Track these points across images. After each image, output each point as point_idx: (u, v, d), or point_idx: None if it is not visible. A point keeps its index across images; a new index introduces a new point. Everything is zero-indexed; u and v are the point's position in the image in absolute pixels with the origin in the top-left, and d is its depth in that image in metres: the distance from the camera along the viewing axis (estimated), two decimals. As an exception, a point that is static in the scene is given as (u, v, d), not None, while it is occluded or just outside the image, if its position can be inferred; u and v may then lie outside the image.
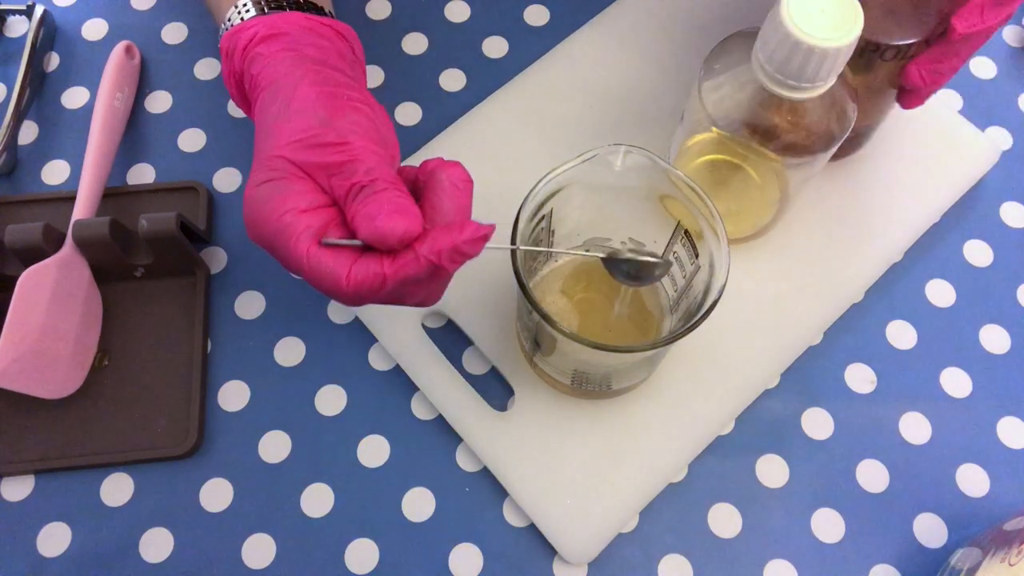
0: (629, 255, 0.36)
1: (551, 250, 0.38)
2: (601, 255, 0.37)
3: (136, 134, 0.53)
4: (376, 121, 0.35)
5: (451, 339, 0.47)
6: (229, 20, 0.38)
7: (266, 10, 0.38)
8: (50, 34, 0.56)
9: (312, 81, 0.34)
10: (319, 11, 0.39)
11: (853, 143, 0.48)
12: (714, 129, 0.40)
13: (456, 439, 0.45)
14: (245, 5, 0.38)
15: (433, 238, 0.31)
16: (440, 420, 0.45)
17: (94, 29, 0.57)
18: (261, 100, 0.35)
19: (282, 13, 0.37)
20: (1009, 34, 0.57)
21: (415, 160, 0.50)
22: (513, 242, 0.36)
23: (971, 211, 0.51)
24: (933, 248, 0.50)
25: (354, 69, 0.38)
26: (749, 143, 0.39)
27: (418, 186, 0.33)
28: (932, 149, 0.51)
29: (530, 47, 0.55)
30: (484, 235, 0.31)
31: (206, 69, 0.55)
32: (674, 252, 0.41)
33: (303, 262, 0.31)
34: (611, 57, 0.53)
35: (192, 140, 0.53)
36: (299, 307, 0.48)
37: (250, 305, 0.49)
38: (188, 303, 0.48)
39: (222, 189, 0.51)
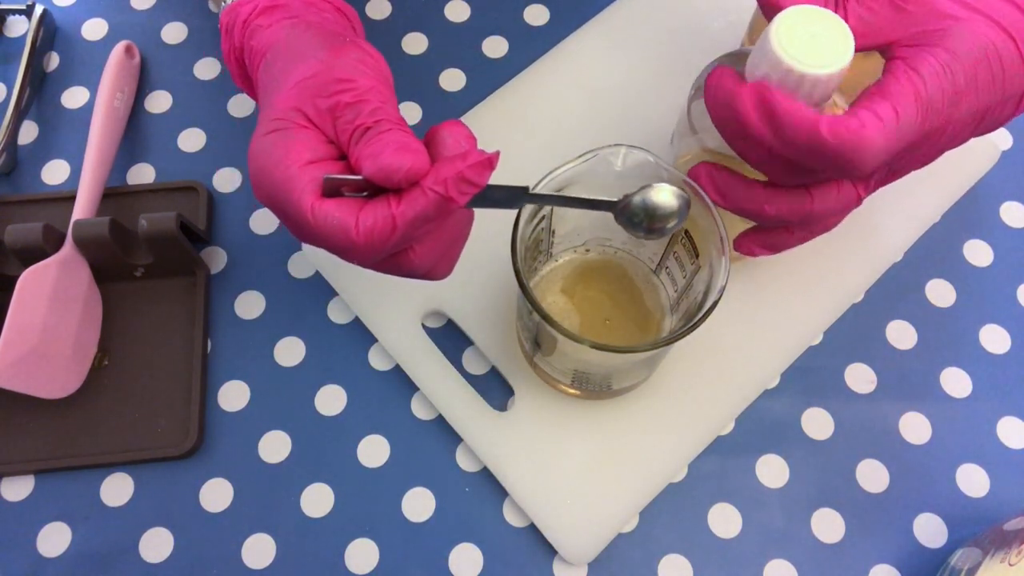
0: (641, 195, 0.33)
1: (558, 200, 0.34)
2: (613, 199, 0.34)
3: (136, 134, 0.53)
4: (380, 64, 0.34)
5: (451, 339, 0.47)
6: None
7: None
8: (50, 34, 0.56)
9: (314, 34, 0.34)
10: None
11: None
12: (703, 149, 0.40)
13: (456, 439, 0.45)
14: None
15: (436, 169, 0.30)
16: (440, 420, 0.45)
17: (94, 29, 0.57)
18: (264, 62, 0.35)
19: None
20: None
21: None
22: (513, 243, 0.36)
23: (971, 211, 0.51)
24: (933, 248, 0.50)
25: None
26: (741, 163, 0.39)
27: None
28: (932, 149, 0.51)
29: (530, 47, 0.55)
30: (489, 160, 0.29)
31: (206, 69, 0.55)
32: (674, 252, 0.41)
33: (307, 216, 0.30)
34: (611, 57, 0.53)
35: (192, 140, 0.53)
36: (299, 307, 0.48)
37: (250, 305, 0.49)
38: (188, 303, 0.48)
39: (222, 189, 0.51)
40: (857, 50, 0.34)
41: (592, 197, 0.34)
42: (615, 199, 0.33)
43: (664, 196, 0.33)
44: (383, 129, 0.31)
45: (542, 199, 0.33)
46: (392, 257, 0.32)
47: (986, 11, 0.34)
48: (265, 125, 0.32)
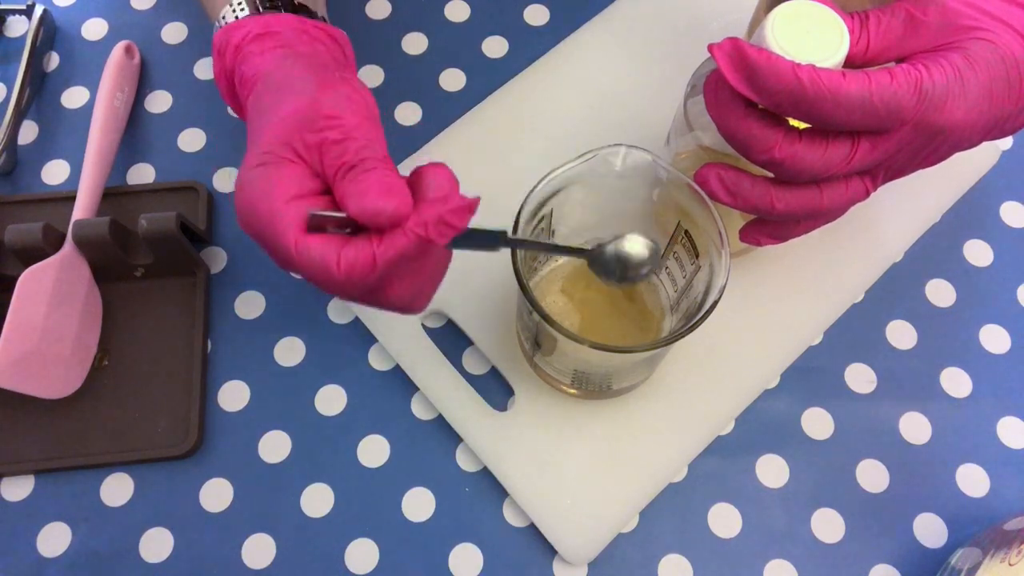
0: (609, 248, 0.35)
1: (535, 245, 0.37)
2: (587, 248, 0.36)
3: (136, 134, 0.53)
4: (369, 101, 0.34)
5: (451, 339, 0.47)
6: (223, 17, 0.38)
7: (260, 9, 0.38)
8: (50, 34, 0.56)
9: (304, 67, 0.35)
10: (312, 15, 0.39)
11: None
12: (700, 146, 0.40)
13: (456, 439, 0.45)
14: (240, 3, 0.38)
15: (418, 211, 0.30)
16: (440, 420, 0.45)
17: (94, 29, 0.57)
18: (255, 92, 0.35)
19: (276, 14, 0.38)
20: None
21: (413, 160, 0.50)
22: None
23: (971, 211, 0.51)
24: (933, 248, 0.50)
25: (345, 71, 0.38)
26: (737, 159, 0.39)
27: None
28: (932, 149, 0.51)
29: (530, 47, 0.55)
30: (469, 205, 0.31)
31: (206, 69, 0.55)
32: (674, 252, 0.41)
33: (291, 251, 0.31)
34: (611, 57, 0.53)
35: (192, 140, 0.53)
36: (299, 307, 0.48)
37: (250, 305, 0.49)
38: (188, 303, 0.48)
39: (222, 189, 0.51)
40: (876, 63, 0.34)
41: (568, 245, 0.37)
42: (589, 247, 0.35)
43: (635, 247, 0.35)
44: (367, 168, 0.31)
45: (519, 244, 0.35)
46: (372, 292, 0.33)
47: (1009, 21, 0.34)
48: (253, 158, 0.33)
